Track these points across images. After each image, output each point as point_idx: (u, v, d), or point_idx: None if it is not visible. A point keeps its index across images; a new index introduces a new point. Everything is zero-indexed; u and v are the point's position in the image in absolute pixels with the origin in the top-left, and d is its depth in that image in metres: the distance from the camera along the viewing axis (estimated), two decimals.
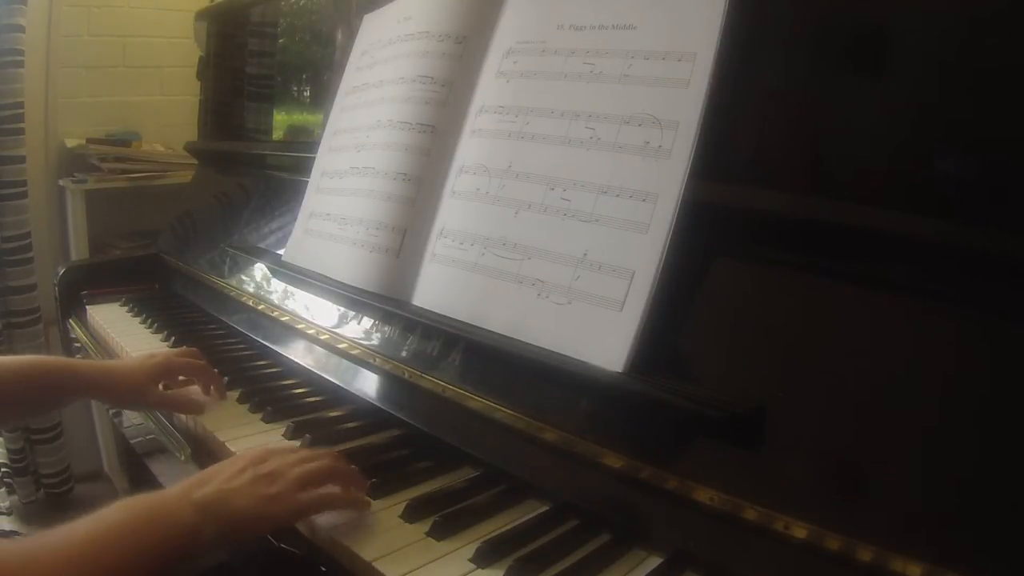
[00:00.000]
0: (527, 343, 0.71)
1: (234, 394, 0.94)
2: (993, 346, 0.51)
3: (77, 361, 0.97)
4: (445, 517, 0.65)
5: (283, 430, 0.84)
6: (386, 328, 0.90)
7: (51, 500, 2.03)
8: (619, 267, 0.67)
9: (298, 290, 1.08)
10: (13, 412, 0.94)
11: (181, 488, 0.62)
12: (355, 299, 0.92)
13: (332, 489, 0.67)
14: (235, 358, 1.10)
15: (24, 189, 1.83)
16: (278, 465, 0.65)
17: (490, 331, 0.75)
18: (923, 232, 0.55)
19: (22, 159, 1.82)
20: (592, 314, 0.68)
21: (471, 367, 0.78)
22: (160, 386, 0.93)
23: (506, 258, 0.76)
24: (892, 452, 0.52)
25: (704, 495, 0.58)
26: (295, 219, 1.07)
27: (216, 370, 0.97)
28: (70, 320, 1.37)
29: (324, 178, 1.04)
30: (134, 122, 2.09)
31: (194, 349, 1.00)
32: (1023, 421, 0.48)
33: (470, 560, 0.60)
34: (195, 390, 0.95)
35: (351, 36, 1.11)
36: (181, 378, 0.96)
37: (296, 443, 0.81)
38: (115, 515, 0.57)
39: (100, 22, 2.00)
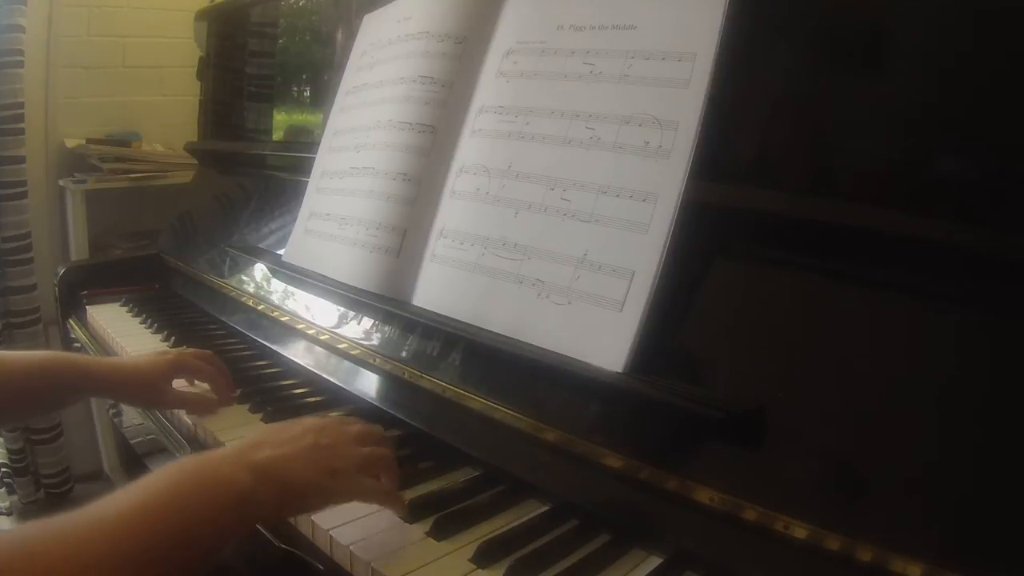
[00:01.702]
0: (527, 343, 0.71)
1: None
2: (993, 346, 0.51)
3: (86, 358, 0.94)
4: (445, 517, 0.65)
5: None
6: (386, 328, 0.90)
7: (51, 500, 2.03)
8: (619, 267, 0.67)
9: (298, 290, 1.08)
10: (21, 410, 0.92)
11: (235, 449, 0.58)
12: (355, 299, 0.92)
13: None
14: (235, 358, 1.09)
15: (24, 189, 1.83)
16: (339, 439, 0.62)
17: (490, 331, 0.75)
18: (923, 232, 0.55)
19: (22, 159, 1.82)
20: (592, 314, 0.68)
21: (471, 367, 0.78)
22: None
23: (506, 258, 0.76)
24: (892, 452, 0.52)
25: (704, 495, 0.58)
26: (295, 219, 1.07)
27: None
28: (70, 320, 1.37)
29: (324, 178, 1.04)
30: (134, 122, 2.09)
31: (208, 352, 0.96)
32: (1023, 421, 0.48)
33: (470, 560, 0.60)
34: (205, 389, 0.93)
35: (351, 36, 1.11)
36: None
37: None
38: (160, 483, 0.52)
39: (100, 22, 2.00)
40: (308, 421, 0.64)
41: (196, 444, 0.87)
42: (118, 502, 0.50)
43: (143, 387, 0.88)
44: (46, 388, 0.84)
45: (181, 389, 0.92)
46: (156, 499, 0.51)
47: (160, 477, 0.53)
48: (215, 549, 0.53)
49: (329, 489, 0.60)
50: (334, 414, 0.90)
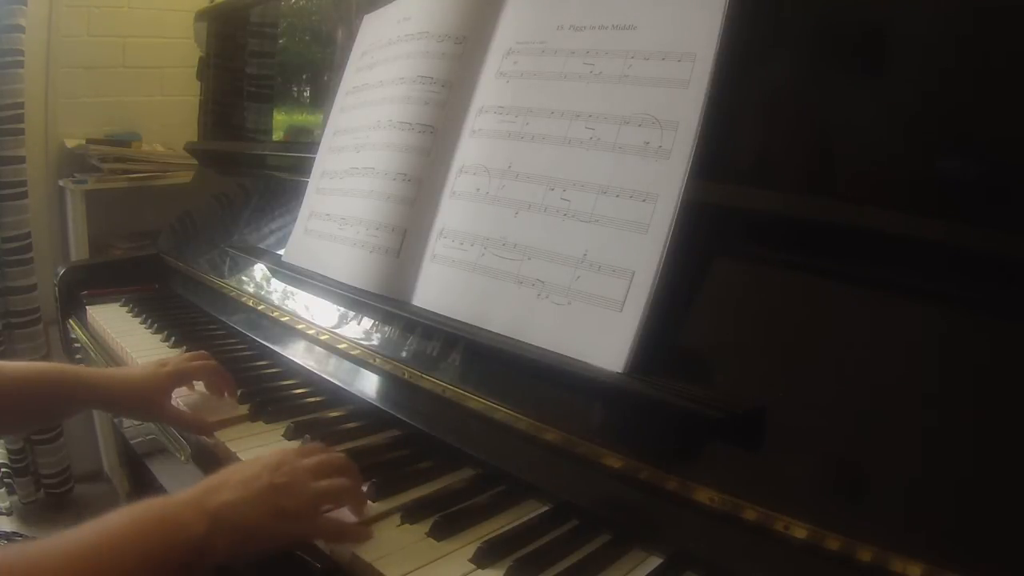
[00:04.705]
0: (527, 343, 0.71)
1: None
2: (993, 346, 0.51)
3: (85, 369, 0.94)
4: (445, 517, 0.65)
5: (283, 430, 0.84)
6: (386, 328, 0.90)
7: (51, 500, 2.03)
8: (619, 267, 0.67)
9: (298, 290, 1.08)
10: (18, 421, 0.92)
11: (194, 494, 0.59)
12: (355, 299, 0.92)
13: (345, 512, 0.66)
14: (235, 358, 1.09)
15: (24, 189, 1.83)
16: (295, 475, 0.62)
17: (490, 331, 0.75)
18: (923, 232, 0.55)
19: (22, 159, 1.82)
20: (592, 314, 0.68)
21: (471, 367, 0.78)
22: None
23: (506, 258, 0.76)
24: (892, 452, 0.52)
25: (704, 495, 0.58)
26: (295, 219, 1.07)
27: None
28: (70, 320, 1.37)
29: (324, 178, 1.04)
30: (134, 122, 2.09)
31: (203, 351, 0.97)
32: (1023, 421, 0.48)
33: (470, 560, 0.60)
34: (207, 407, 0.92)
35: (351, 36, 1.11)
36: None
37: (299, 442, 0.81)
38: (122, 520, 0.55)
39: (100, 22, 2.00)
40: (266, 458, 0.64)
41: (196, 444, 0.87)
42: (83, 535, 0.54)
43: (142, 400, 0.88)
44: (43, 398, 0.84)
45: (182, 394, 0.93)
46: (118, 535, 0.55)
47: (125, 515, 0.56)
48: None
49: (281, 531, 0.60)
50: (333, 414, 0.90)
